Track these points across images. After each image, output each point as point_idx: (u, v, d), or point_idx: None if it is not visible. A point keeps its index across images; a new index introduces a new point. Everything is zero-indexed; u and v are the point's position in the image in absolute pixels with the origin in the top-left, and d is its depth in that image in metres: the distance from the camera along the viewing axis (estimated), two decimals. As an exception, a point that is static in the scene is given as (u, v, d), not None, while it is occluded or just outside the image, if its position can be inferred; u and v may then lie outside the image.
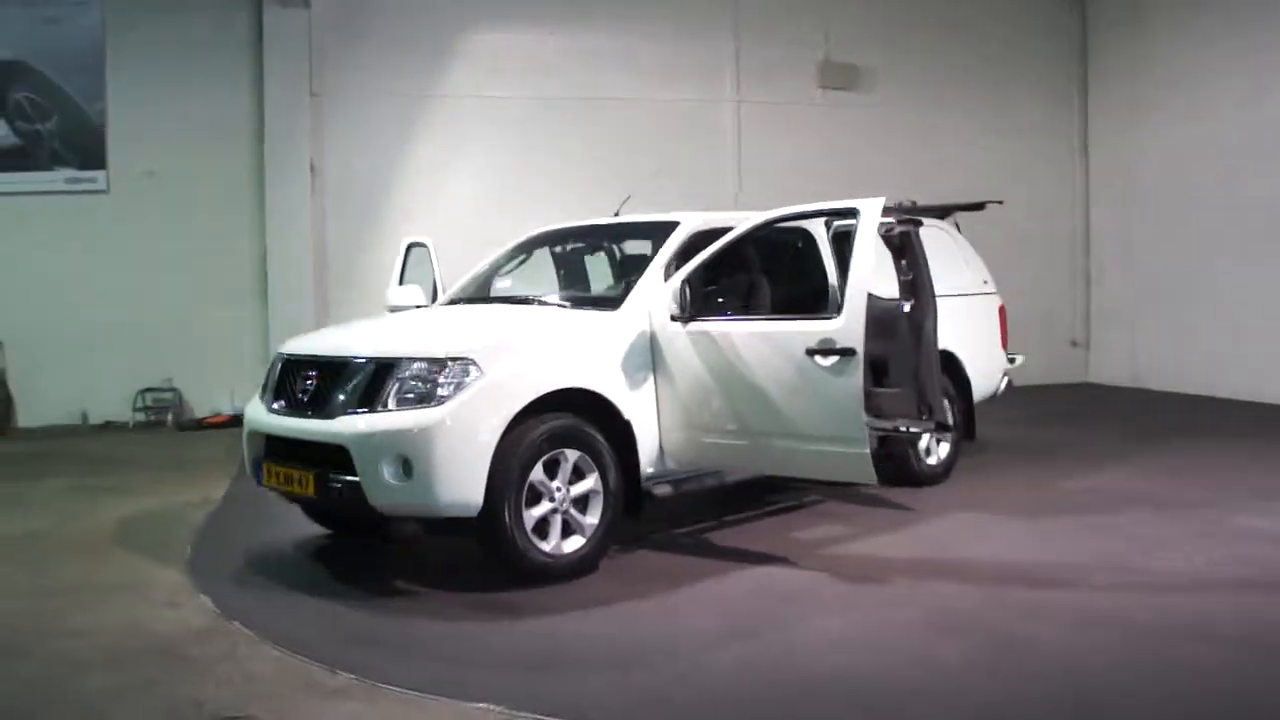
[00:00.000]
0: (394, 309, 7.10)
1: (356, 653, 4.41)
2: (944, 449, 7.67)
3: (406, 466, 4.93)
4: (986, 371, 8.11)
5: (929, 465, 7.53)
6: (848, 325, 5.18)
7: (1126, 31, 13.85)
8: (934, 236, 8.07)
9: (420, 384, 5.05)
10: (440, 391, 5.01)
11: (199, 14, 11.96)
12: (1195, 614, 4.59)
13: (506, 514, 5.05)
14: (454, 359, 5.08)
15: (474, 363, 5.08)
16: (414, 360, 5.12)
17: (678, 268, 5.87)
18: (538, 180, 12.81)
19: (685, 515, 6.59)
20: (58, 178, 11.69)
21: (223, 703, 3.87)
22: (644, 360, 5.70)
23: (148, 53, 11.83)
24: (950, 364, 7.72)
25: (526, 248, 7.18)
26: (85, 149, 11.73)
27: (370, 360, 5.23)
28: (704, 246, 5.92)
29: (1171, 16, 13.03)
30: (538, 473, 5.18)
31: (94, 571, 5.70)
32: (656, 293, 5.83)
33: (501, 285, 6.90)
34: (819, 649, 4.32)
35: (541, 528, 5.25)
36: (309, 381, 5.44)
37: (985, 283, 8.27)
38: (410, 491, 4.96)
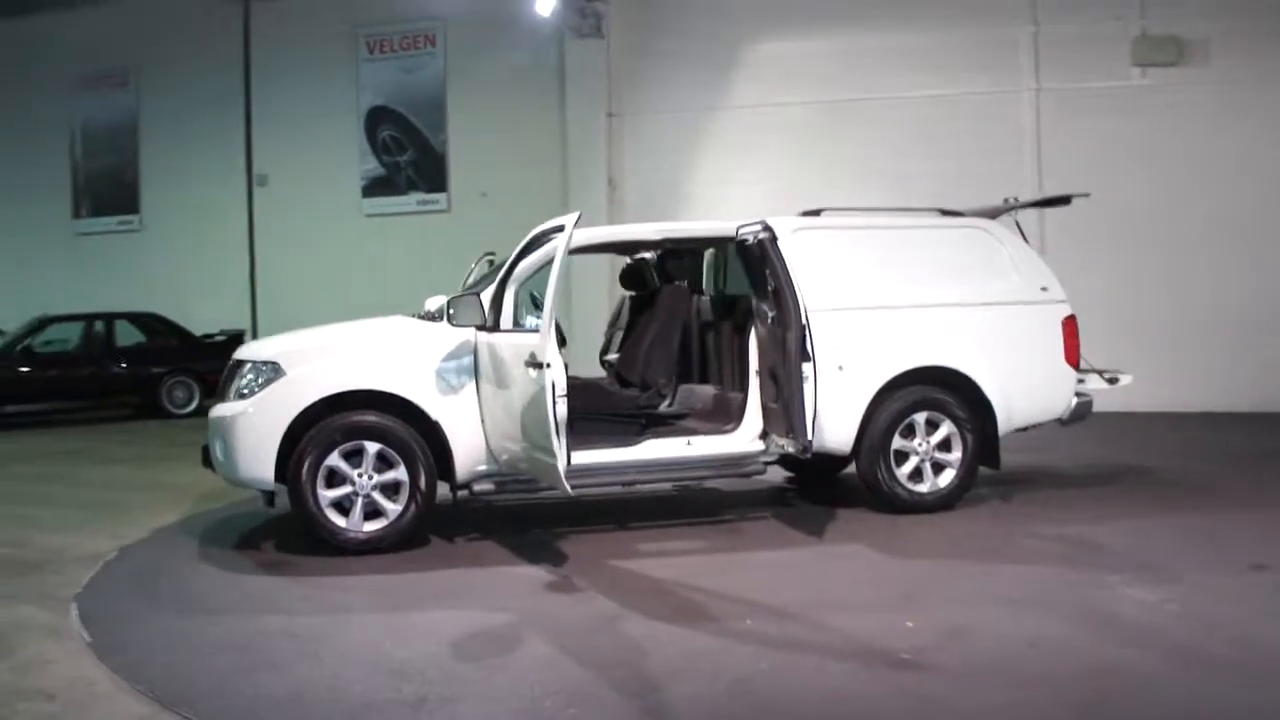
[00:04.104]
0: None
1: (124, 587, 5.75)
2: (945, 476, 6.92)
3: (226, 446, 6.16)
4: (1032, 392, 7.08)
5: (915, 492, 6.87)
6: (543, 339, 5.38)
7: None
8: (973, 239, 7.33)
9: (246, 381, 6.23)
10: (253, 387, 6.15)
11: (516, 53, 13.99)
12: (725, 677, 4.15)
13: (306, 491, 6.03)
14: (265, 362, 6.19)
15: (278, 365, 6.13)
16: (246, 362, 6.31)
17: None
18: (824, 184, 12.84)
19: (596, 517, 6.94)
20: (411, 200, 14.44)
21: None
22: (464, 366, 6.26)
23: (477, 90, 14.15)
24: (961, 383, 6.94)
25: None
26: (431, 175, 14.37)
27: (236, 362, 6.51)
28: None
29: None
30: (334, 459, 6.07)
31: (117, 512, 7.58)
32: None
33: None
34: (322, 643, 4.69)
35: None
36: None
37: (1043, 290, 7.13)
38: (227, 466, 6.21)
